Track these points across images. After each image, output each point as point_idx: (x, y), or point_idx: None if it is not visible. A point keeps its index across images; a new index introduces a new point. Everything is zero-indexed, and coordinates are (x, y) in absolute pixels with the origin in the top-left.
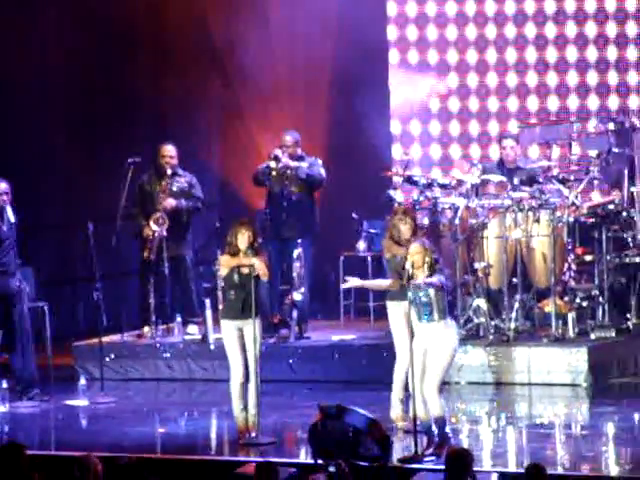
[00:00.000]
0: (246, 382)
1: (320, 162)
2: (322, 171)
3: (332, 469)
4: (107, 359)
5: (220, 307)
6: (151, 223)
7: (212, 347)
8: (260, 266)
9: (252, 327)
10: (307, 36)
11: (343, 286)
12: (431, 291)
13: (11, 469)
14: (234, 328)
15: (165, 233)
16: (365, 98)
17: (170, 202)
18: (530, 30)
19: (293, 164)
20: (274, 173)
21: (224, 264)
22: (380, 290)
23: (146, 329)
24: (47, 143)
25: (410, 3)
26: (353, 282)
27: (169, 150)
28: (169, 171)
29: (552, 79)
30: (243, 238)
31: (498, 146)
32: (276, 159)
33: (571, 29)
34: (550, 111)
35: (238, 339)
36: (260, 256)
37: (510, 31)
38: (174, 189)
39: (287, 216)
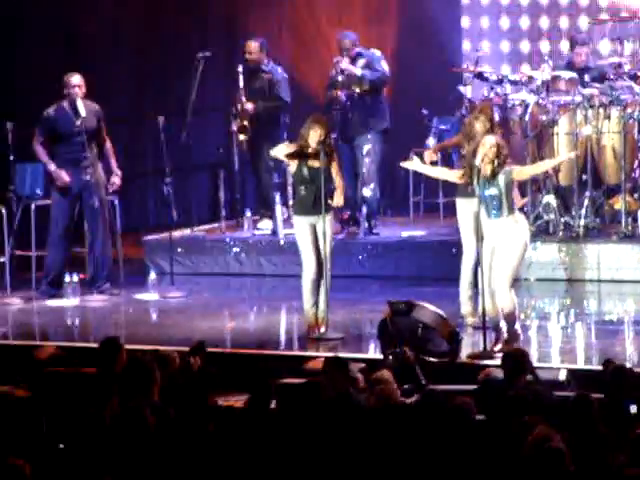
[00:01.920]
0: (318, 278)
1: (379, 55)
2: (384, 66)
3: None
4: (177, 253)
5: (291, 202)
6: (236, 131)
7: (282, 242)
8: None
9: (323, 222)
10: None
11: (402, 164)
12: (500, 184)
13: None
14: (306, 224)
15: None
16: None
17: (248, 107)
18: None
19: (357, 72)
20: (339, 79)
21: (280, 151)
22: (444, 180)
23: (218, 224)
24: (118, 36)
25: None
26: (414, 164)
27: (247, 45)
28: (253, 67)
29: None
30: (315, 134)
31: (569, 46)
32: (342, 72)
33: None
34: (621, 7)
35: (311, 235)
36: (332, 154)
37: None
38: (256, 86)
39: (354, 115)
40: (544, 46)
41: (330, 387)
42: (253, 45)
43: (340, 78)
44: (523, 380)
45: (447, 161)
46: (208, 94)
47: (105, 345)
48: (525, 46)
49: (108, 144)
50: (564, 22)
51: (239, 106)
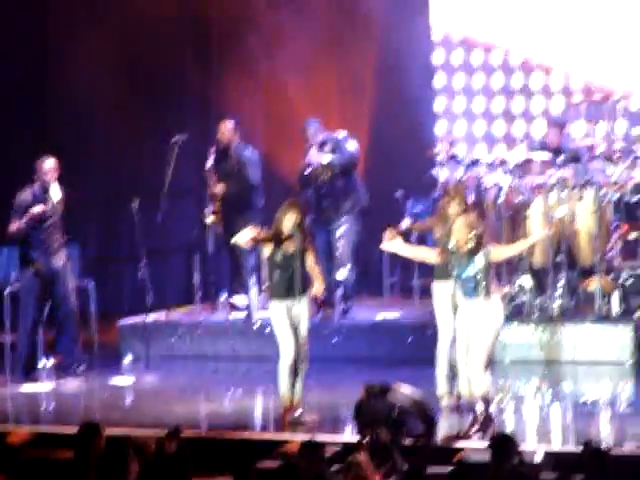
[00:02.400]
0: (295, 361)
1: (344, 136)
2: (351, 146)
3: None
4: (152, 337)
5: (266, 287)
6: (205, 214)
7: (257, 325)
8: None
9: (299, 306)
10: (353, 13)
11: (383, 247)
12: (477, 265)
13: (89, 449)
14: (282, 307)
15: (215, 219)
16: (409, 74)
17: (219, 189)
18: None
19: (326, 160)
20: (316, 172)
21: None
22: (423, 262)
23: (191, 307)
24: (93, 119)
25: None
26: (395, 245)
27: (219, 126)
28: (224, 149)
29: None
30: (290, 219)
31: (544, 128)
32: (310, 166)
33: None
34: (594, 88)
35: (287, 319)
36: (307, 237)
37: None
38: (227, 168)
39: (327, 199)
40: (518, 127)
41: (306, 470)
42: (225, 126)
43: (308, 171)
44: (510, 464)
45: (422, 244)
46: (183, 175)
47: (84, 430)
48: (499, 127)
49: None
50: (538, 103)
51: (211, 188)
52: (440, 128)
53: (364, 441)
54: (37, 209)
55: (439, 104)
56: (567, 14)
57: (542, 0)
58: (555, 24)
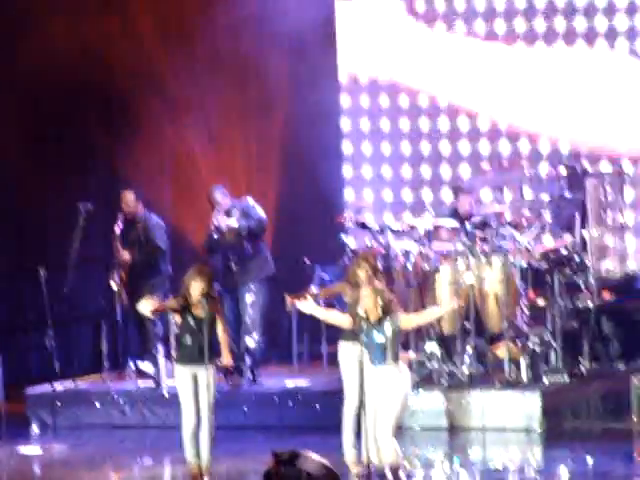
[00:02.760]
0: (198, 428)
1: (252, 203)
2: (260, 212)
3: None
4: (59, 406)
5: (174, 353)
6: (111, 282)
7: (165, 393)
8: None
9: (206, 373)
10: (260, 77)
11: (298, 306)
12: (386, 332)
13: None
14: (189, 373)
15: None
16: (316, 140)
17: (125, 257)
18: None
19: (233, 224)
20: (222, 235)
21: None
22: (331, 328)
23: (99, 375)
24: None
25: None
26: (307, 305)
27: (123, 196)
28: (129, 218)
29: (503, 124)
30: (197, 286)
31: (452, 196)
32: (218, 229)
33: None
34: (502, 155)
35: (192, 385)
36: (215, 304)
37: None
38: (132, 236)
39: (235, 265)
40: (426, 194)
41: None
42: (129, 197)
43: (216, 236)
44: None
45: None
46: (90, 243)
47: None
48: (407, 195)
49: None
50: (445, 171)
51: (117, 256)
52: (348, 194)
53: None
54: None
55: (347, 171)
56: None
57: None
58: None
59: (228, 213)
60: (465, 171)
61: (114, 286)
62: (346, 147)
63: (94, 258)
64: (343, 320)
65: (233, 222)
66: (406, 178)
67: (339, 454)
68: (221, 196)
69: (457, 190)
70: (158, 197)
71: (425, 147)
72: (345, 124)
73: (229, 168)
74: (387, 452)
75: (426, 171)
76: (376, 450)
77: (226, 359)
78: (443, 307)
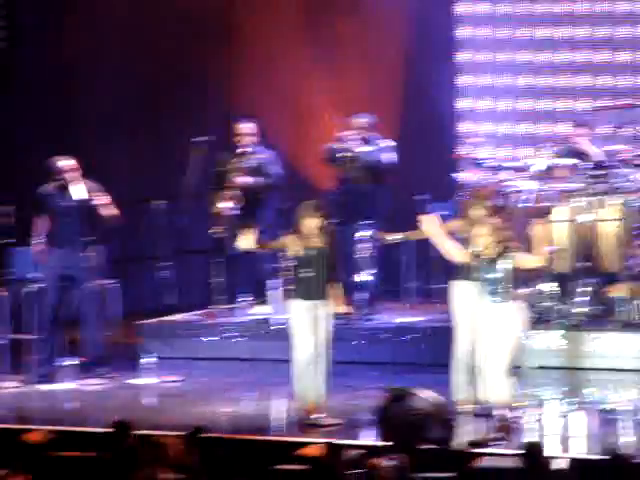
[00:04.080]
0: (315, 363)
1: (390, 145)
2: (390, 156)
3: (392, 462)
4: (173, 337)
5: (288, 287)
6: (225, 202)
7: (278, 327)
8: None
9: (323, 307)
10: (376, 18)
11: (423, 228)
12: (501, 269)
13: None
14: (305, 309)
15: (237, 212)
16: (432, 75)
17: (242, 180)
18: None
19: (360, 149)
20: (346, 154)
21: (290, 244)
22: (445, 261)
23: (213, 308)
24: (116, 117)
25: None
26: (433, 227)
27: (241, 128)
28: (244, 149)
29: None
30: (312, 221)
31: (570, 130)
32: (340, 140)
33: None
34: (621, 91)
35: (309, 319)
36: (328, 239)
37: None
38: (246, 166)
39: (352, 200)
40: (543, 128)
41: (327, 473)
42: (243, 127)
43: (337, 146)
44: (539, 472)
45: None
46: (205, 178)
47: (116, 428)
48: (524, 128)
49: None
50: (564, 105)
51: (231, 180)
52: (464, 128)
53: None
54: (39, 256)
55: (463, 104)
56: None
57: None
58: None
59: (365, 142)
60: (584, 105)
61: (226, 208)
62: (462, 80)
63: (208, 192)
64: (459, 253)
65: (359, 150)
66: (523, 111)
67: (451, 392)
68: (362, 123)
69: (574, 124)
70: (275, 133)
71: (543, 80)
72: (461, 57)
73: (348, 104)
74: (499, 391)
75: (545, 105)
76: (488, 389)
77: (340, 307)
78: (556, 247)
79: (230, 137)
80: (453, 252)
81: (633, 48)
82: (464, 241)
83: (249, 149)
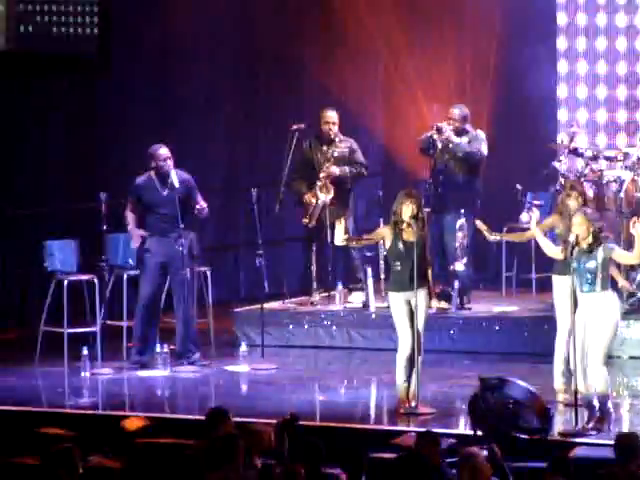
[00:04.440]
0: (413, 353)
1: (483, 136)
2: (483, 147)
3: (485, 453)
4: (268, 325)
5: (382, 276)
6: (317, 191)
7: (373, 316)
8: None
9: (419, 298)
10: (474, 5)
11: (531, 228)
12: (597, 259)
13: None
14: (402, 299)
15: (328, 201)
16: (531, 63)
17: (334, 170)
18: None
19: (455, 139)
20: (438, 145)
21: (385, 235)
22: (538, 256)
23: (309, 297)
24: (212, 109)
25: None
26: (534, 219)
27: (330, 116)
28: (332, 137)
29: None
30: (407, 209)
31: None
32: (439, 131)
33: None
34: None
35: (407, 311)
36: (424, 227)
37: None
38: (335, 154)
39: (445, 190)
40: None
41: (422, 461)
42: (332, 115)
43: (435, 135)
44: (636, 464)
45: None
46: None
47: (212, 415)
48: (622, 116)
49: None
50: None
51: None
52: (562, 115)
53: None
54: (136, 237)
55: (562, 91)
56: None
57: None
58: None
59: (458, 134)
60: None
61: (319, 199)
62: (561, 67)
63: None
64: (556, 251)
65: (455, 139)
66: (621, 99)
67: (547, 381)
68: (460, 114)
69: None
70: (369, 119)
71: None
72: (561, 44)
73: (442, 91)
74: (596, 381)
75: None
76: (585, 379)
77: (434, 301)
78: None
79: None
80: (551, 249)
81: None
82: (560, 235)
83: (337, 137)
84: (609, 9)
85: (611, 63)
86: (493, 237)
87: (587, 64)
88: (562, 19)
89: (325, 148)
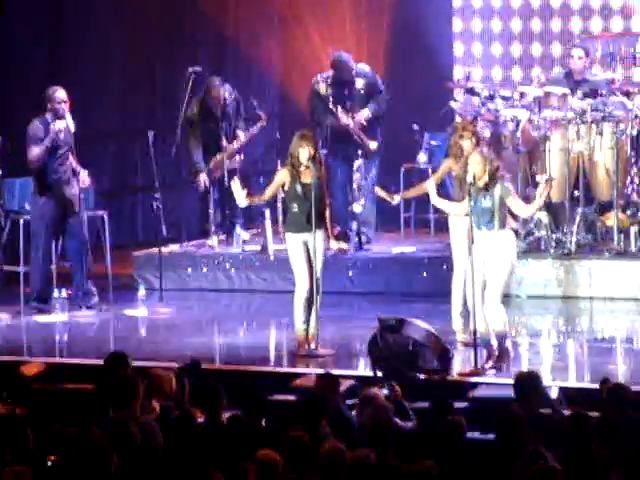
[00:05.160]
0: (311, 295)
1: (382, 87)
2: (381, 102)
3: (385, 391)
4: (166, 269)
5: (280, 218)
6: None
7: (272, 258)
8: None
9: (317, 239)
10: None
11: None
12: (494, 197)
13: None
14: (300, 241)
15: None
16: (427, 14)
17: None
18: None
19: (365, 116)
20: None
21: (283, 178)
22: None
23: (208, 240)
24: (106, 51)
25: None
26: (431, 191)
27: (218, 91)
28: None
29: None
30: (304, 152)
31: (568, 56)
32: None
33: None
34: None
35: (304, 252)
36: (321, 168)
37: None
38: (230, 112)
39: (348, 133)
40: (536, 72)
41: (322, 403)
42: (213, 82)
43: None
44: (535, 401)
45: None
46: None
47: (112, 359)
48: (516, 49)
49: None
50: (557, 49)
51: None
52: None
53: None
54: (58, 125)
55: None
56: None
57: None
58: None
59: (352, 84)
60: (576, 25)
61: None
62: (456, 24)
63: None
64: (459, 207)
65: (365, 112)
66: (516, 31)
67: (445, 321)
68: (347, 66)
69: (572, 45)
70: (266, 61)
71: (536, 24)
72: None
73: (338, 30)
74: (494, 320)
75: (536, 24)
76: (483, 318)
77: (332, 242)
78: (541, 192)
79: (223, 71)
80: (454, 209)
81: None
82: (457, 176)
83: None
84: None
85: (505, 22)
86: (396, 200)
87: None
88: None
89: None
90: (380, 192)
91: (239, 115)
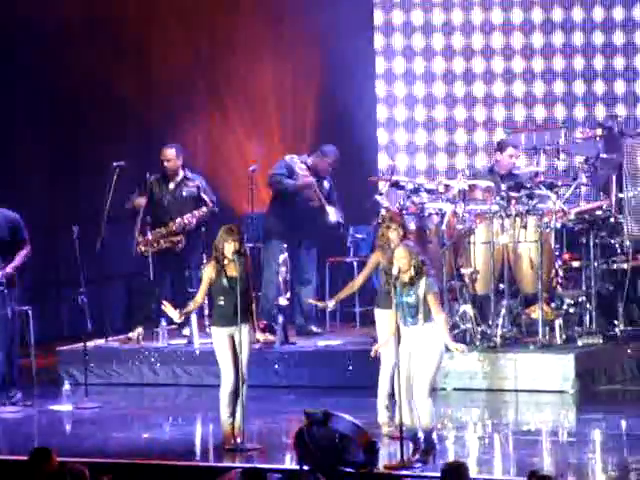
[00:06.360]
0: (236, 389)
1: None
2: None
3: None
4: (91, 364)
5: (206, 312)
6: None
7: (197, 352)
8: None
9: (242, 333)
10: (293, 46)
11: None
12: (418, 292)
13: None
14: (225, 335)
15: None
16: (352, 105)
17: (179, 222)
18: (517, 40)
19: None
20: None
21: (210, 273)
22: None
23: (131, 334)
24: (31, 144)
25: (396, 11)
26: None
27: (168, 153)
28: (179, 175)
29: (539, 88)
30: (229, 246)
31: (494, 153)
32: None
33: (558, 38)
34: (536, 120)
35: (230, 346)
36: (247, 262)
37: (497, 41)
38: (184, 194)
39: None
40: (460, 160)
41: None
42: (169, 152)
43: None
44: None
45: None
46: (123, 202)
47: (35, 455)
48: (441, 160)
49: (24, 251)
50: (480, 136)
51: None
52: (382, 160)
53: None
54: None
55: (382, 136)
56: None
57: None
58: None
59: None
60: (500, 136)
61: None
62: (380, 112)
63: (127, 216)
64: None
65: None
66: (440, 144)
67: (371, 414)
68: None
69: (503, 144)
70: (192, 155)
71: (460, 113)
72: (380, 89)
73: (263, 123)
74: (421, 413)
75: (460, 137)
76: (409, 411)
77: (259, 334)
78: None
79: (146, 166)
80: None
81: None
82: (384, 268)
83: (180, 175)
84: (426, 32)
85: (429, 84)
86: (332, 305)
87: (405, 86)
88: (380, 66)
89: (171, 187)
90: (313, 302)
91: (200, 201)
